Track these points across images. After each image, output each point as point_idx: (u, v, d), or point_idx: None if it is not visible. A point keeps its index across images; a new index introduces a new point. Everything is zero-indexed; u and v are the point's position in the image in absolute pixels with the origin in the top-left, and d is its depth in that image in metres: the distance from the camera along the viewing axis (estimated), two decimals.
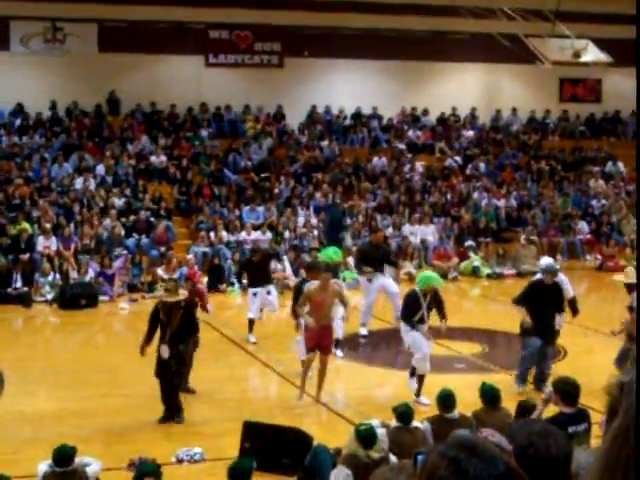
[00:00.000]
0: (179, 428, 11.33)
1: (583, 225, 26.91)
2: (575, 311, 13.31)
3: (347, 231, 24.74)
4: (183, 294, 12.12)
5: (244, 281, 18.66)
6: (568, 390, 7.77)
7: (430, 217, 25.67)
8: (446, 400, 8.90)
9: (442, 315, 12.29)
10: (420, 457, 4.10)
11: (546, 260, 14.01)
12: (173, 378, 11.53)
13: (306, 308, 12.24)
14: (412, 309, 12.08)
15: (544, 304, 12.44)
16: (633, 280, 13.57)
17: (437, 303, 12.24)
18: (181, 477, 9.69)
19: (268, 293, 16.07)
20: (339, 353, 14.49)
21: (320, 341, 12.13)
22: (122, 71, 28.02)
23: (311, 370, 12.32)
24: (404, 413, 8.59)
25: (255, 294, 16.00)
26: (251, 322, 16.01)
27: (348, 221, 25.23)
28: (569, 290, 13.26)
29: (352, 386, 13.38)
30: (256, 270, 16.06)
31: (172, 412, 11.50)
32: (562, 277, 13.36)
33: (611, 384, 1.62)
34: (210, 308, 14.05)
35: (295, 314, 12.93)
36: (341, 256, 12.47)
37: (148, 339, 11.71)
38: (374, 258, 16.16)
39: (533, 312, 12.43)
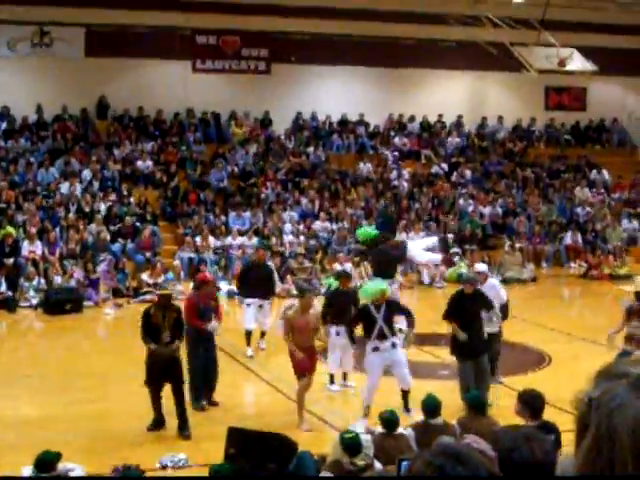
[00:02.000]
0: (163, 434, 11.30)
1: (567, 236, 26.95)
2: (505, 316, 13.24)
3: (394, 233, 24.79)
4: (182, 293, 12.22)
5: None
6: (533, 402, 7.74)
7: (418, 224, 25.68)
8: (430, 406, 8.91)
9: (408, 323, 12.04)
10: (404, 464, 4.12)
11: (480, 266, 14.00)
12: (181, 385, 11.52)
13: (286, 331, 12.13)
14: (367, 325, 11.74)
15: (469, 314, 12.00)
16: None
17: (398, 311, 12.02)
18: None
19: (260, 307, 15.80)
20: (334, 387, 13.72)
21: (311, 364, 12.00)
22: (109, 76, 27.94)
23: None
24: (389, 420, 8.59)
25: (249, 305, 15.77)
26: (247, 334, 15.83)
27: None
28: (500, 295, 13.18)
29: (337, 392, 13.37)
30: (255, 280, 15.82)
31: (184, 422, 11.40)
32: (492, 282, 13.42)
33: (578, 399, 1.63)
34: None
35: (324, 320, 12.68)
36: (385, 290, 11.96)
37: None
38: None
39: (463, 324, 11.98)
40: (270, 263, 18.24)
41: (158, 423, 11.45)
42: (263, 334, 15.92)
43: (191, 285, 17.74)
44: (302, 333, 11.90)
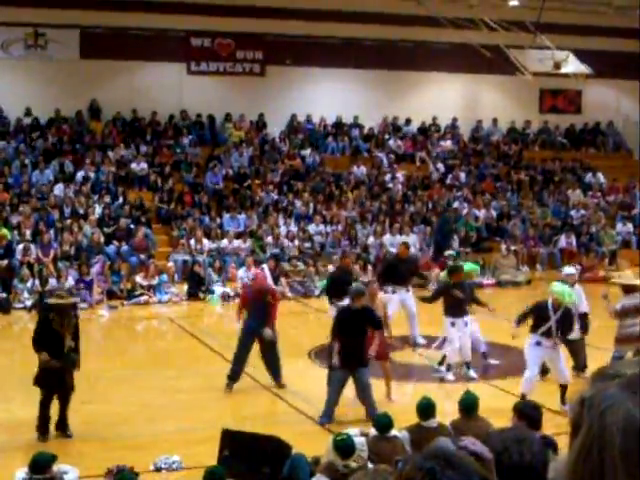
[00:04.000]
0: (157, 436, 11.28)
1: (562, 239, 26.99)
2: (585, 329, 13.89)
3: (454, 237, 25.14)
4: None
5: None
6: (529, 413, 7.63)
7: (411, 227, 25.75)
8: (425, 409, 8.90)
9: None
10: (400, 465, 4.13)
11: (569, 270, 14.27)
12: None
13: None
14: (538, 321, 12.20)
15: (352, 330, 11.72)
16: (629, 281, 13.75)
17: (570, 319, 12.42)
18: None
19: None
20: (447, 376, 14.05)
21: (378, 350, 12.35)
22: (104, 78, 27.93)
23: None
24: (382, 422, 8.59)
25: None
26: None
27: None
28: (583, 304, 13.92)
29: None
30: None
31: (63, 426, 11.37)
32: (578, 289, 13.91)
33: (572, 399, 1.63)
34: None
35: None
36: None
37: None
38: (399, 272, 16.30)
39: (342, 340, 11.72)
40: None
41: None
42: None
43: (185, 287, 17.80)
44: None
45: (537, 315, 12.25)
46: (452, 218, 26.34)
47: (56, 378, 11.18)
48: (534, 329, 12.18)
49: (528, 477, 2.48)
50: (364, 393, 11.67)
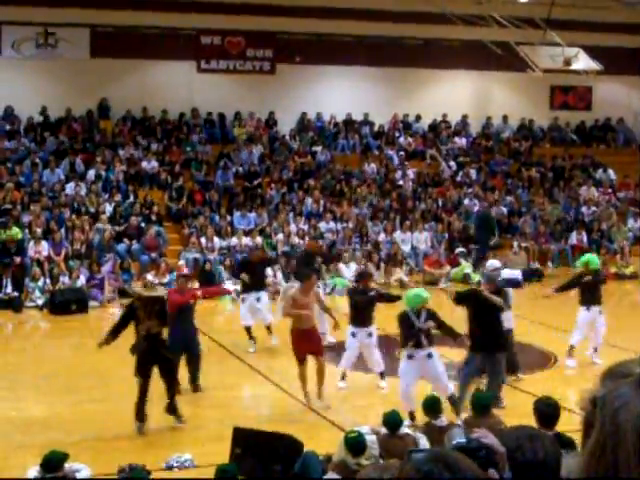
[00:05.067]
0: (169, 434, 11.31)
1: (572, 235, 26.94)
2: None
3: (494, 233, 25.31)
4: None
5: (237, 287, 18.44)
6: (546, 411, 7.56)
7: (422, 224, 25.73)
8: (432, 406, 8.90)
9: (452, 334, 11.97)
10: (413, 455, 4.11)
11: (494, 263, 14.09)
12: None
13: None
14: (405, 332, 11.57)
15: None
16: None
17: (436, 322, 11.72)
18: None
19: (257, 300, 15.89)
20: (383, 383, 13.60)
21: (310, 346, 12.15)
22: (114, 76, 27.97)
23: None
24: (391, 420, 8.59)
25: (244, 300, 15.89)
26: (247, 330, 15.90)
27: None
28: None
29: (343, 392, 13.37)
30: (250, 274, 15.89)
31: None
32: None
33: (584, 399, 1.64)
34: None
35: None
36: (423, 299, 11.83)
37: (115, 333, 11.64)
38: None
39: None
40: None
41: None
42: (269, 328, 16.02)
43: (196, 285, 17.83)
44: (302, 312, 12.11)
45: (402, 327, 11.63)
46: (491, 214, 26.38)
47: (152, 358, 11.39)
48: (404, 343, 11.60)
49: (542, 474, 2.48)
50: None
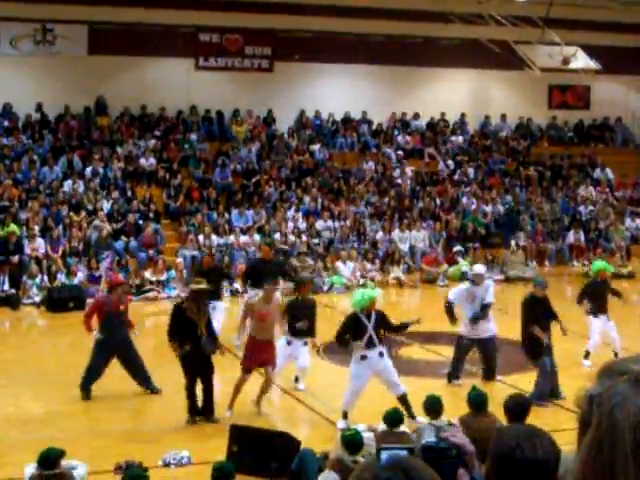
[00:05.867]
0: (166, 431, 11.31)
1: (570, 234, 26.97)
2: (484, 316, 13.65)
3: (521, 230, 25.52)
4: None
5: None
6: (514, 408, 7.70)
7: (420, 222, 25.74)
8: (433, 406, 8.90)
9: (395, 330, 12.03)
10: (383, 454, 4.11)
11: (479, 268, 14.25)
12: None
13: (248, 321, 12.37)
14: (356, 333, 11.44)
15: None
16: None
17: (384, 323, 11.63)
18: None
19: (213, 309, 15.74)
20: (301, 386, 13.48)
21: (264, 357, 12.00)
22: (112, 73, 27.96)
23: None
24: (392, 417, 8.60)
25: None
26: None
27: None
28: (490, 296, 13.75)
29: (340, 390, 13.35)
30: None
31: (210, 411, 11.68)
32: (489, 283, 13.83)
33: (580, 397, 1.64)
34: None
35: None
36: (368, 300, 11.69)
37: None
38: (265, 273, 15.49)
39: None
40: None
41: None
42: None
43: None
44: (262, 322, 11.95)
45: (352, 329, 11.54)
46: (516, 210, 26.53)
47: (197, 364, 11.53)
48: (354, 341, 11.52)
49: (540, 473, 2.48)
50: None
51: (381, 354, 11.45)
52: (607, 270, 15.19)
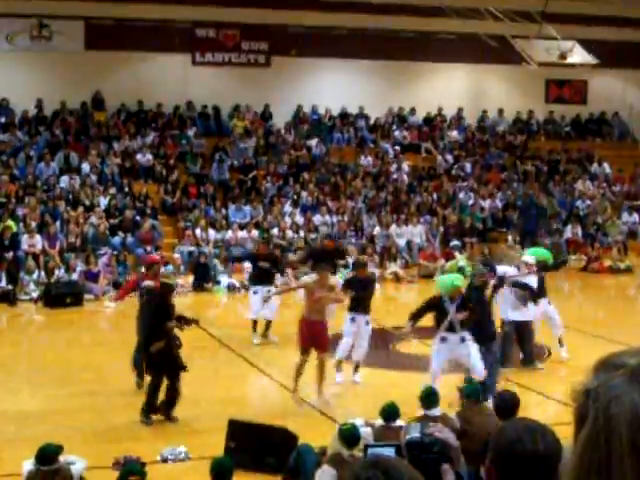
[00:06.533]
0: (164, 427, 11.31)
1: (567, 229, 26.99)
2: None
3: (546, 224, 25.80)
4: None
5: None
6: (502, 405, 7.71)
7: (417, 217, 25.74)
8: (428, 397, 8.91)
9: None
10: (370, 450, 4.14)
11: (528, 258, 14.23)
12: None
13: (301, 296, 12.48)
14: (438, 316, 11.88)
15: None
16: None
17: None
18: (166, 476, 9.68)
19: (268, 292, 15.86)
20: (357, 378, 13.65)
21: (315, 339, 12.17)
22: (108, 69, 27.92)
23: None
24: (389, 411, 8.60)
25: (256, 292, 15.88)
26: (254, 323, 15.93)
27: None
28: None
29: (338, 385, 13.37)
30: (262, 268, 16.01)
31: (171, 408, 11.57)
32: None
33: (576, 391, 1.63)
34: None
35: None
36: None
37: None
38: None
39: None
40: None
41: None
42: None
43: (191, 278, 17.82)
44: (315, 304, 12.18)
45: (435, 311, 11.94)
46: (535, 206, 26.58)
47: (165, 361, 11.38)
48: (437, 326, 11.92)
49: (542, 467, 2.48)
50: None
51: (463, 339, 11.76)
52: (546, 258, 14.99)
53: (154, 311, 11.69)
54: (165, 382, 11.55)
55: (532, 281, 13.95)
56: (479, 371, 11.73)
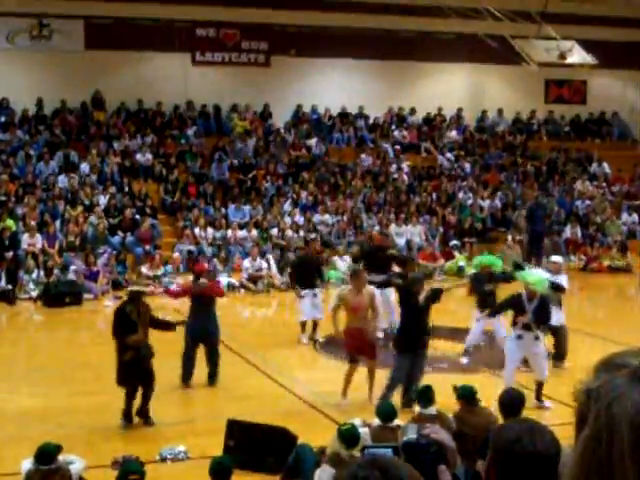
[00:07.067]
0: (163, 427, 11.31)
1: (567, 229, 26.99)
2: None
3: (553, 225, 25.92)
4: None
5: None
6: (508, 403, 7.70)
7: (416, 217, 25.75)
8: (424, 395, 8.91)
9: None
10: (366, 451, 4.15)
11: (556, 258, 14.54)
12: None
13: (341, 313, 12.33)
14: (516, 314, 12.02)
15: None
16: None
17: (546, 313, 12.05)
18: (165, 475, 9.68)
19: (314, 296, 15.89)
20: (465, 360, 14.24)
21: (360, 347, 12.16)
22: (108, 68, 27.91)
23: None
24: (386, 411, 8.60)
25: (305, 296, 15.89)
26: (303, 324, 16.04)
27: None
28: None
29: (336, 385, 13.36)
30: (306, 271, 16.03)
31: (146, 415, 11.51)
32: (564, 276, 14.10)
33: (577, 390, 1.63)
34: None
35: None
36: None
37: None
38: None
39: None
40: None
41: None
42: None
43: (190, 278, 17.72)
44: (356, 312, 12.09)
45: (513, 308, 12.15)
46: (544, 207, 26.56)
47: (137, 369, 11.26)
48: (513, 323, 12.08)
49: (541, 467, 2.48)
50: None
51: (537, 337, 11.94)
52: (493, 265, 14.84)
53: (116, 324, 11.43)
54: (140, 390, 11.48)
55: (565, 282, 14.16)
56: (542, 372, 12.02)
